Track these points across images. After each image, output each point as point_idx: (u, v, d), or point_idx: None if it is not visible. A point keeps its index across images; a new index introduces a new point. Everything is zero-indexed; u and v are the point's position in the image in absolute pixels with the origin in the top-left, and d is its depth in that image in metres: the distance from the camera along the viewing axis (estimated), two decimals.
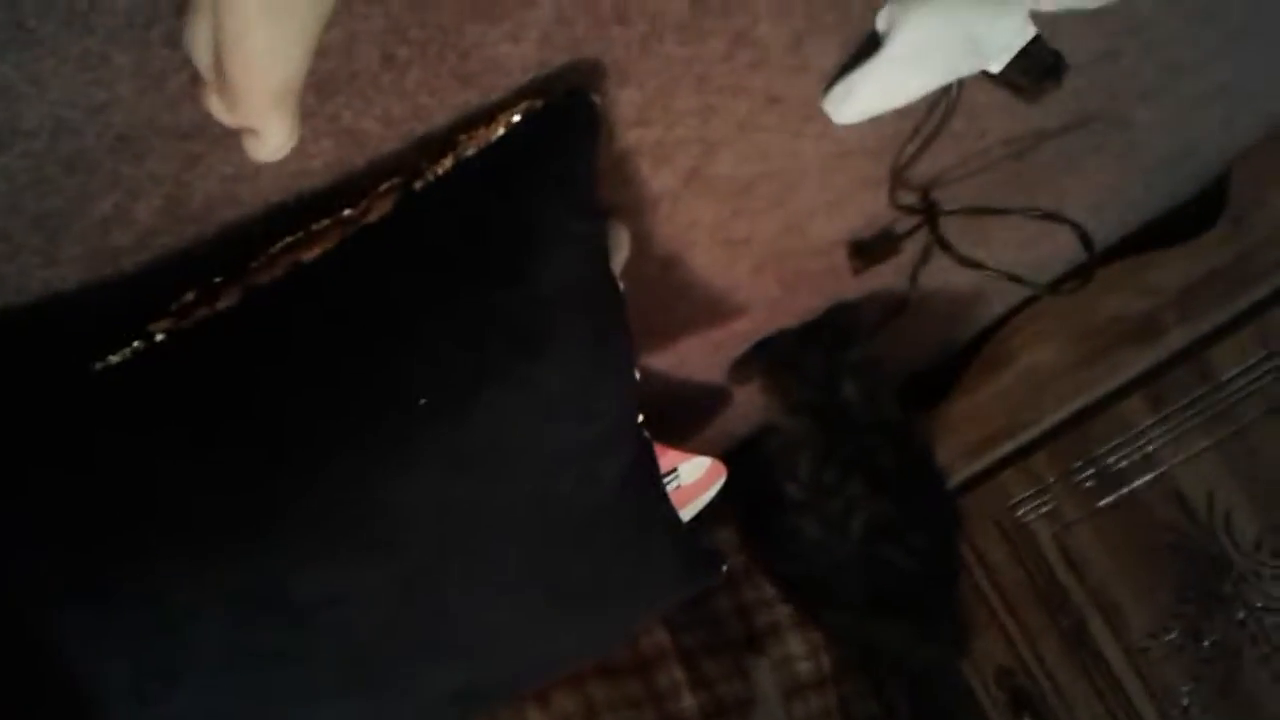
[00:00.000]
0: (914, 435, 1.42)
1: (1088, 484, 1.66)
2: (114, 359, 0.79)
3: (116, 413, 0.79)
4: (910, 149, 1.12)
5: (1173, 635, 1.62)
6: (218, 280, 0.81)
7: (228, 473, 0.78)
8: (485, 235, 0.83)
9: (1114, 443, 1.64)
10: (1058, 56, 0.93)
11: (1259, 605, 1.57)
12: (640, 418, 1.02)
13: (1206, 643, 1.60)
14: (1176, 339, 1.62)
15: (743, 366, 1.38)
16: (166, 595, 0.77)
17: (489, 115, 0.82)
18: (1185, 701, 1.61)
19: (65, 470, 0.77)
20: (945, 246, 1.17)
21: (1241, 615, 1.58)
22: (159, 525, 0.77)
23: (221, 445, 0.78)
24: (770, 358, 1.36)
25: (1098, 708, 1.66)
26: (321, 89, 0.73)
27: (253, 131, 0.65)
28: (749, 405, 1.48)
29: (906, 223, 1.24)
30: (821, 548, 1.35)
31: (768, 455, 1.40)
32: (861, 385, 1.33)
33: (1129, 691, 1.64)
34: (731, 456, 1.43)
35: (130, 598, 0.76)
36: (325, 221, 0.82)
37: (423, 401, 0.81)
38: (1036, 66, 0.92)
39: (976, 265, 1.15)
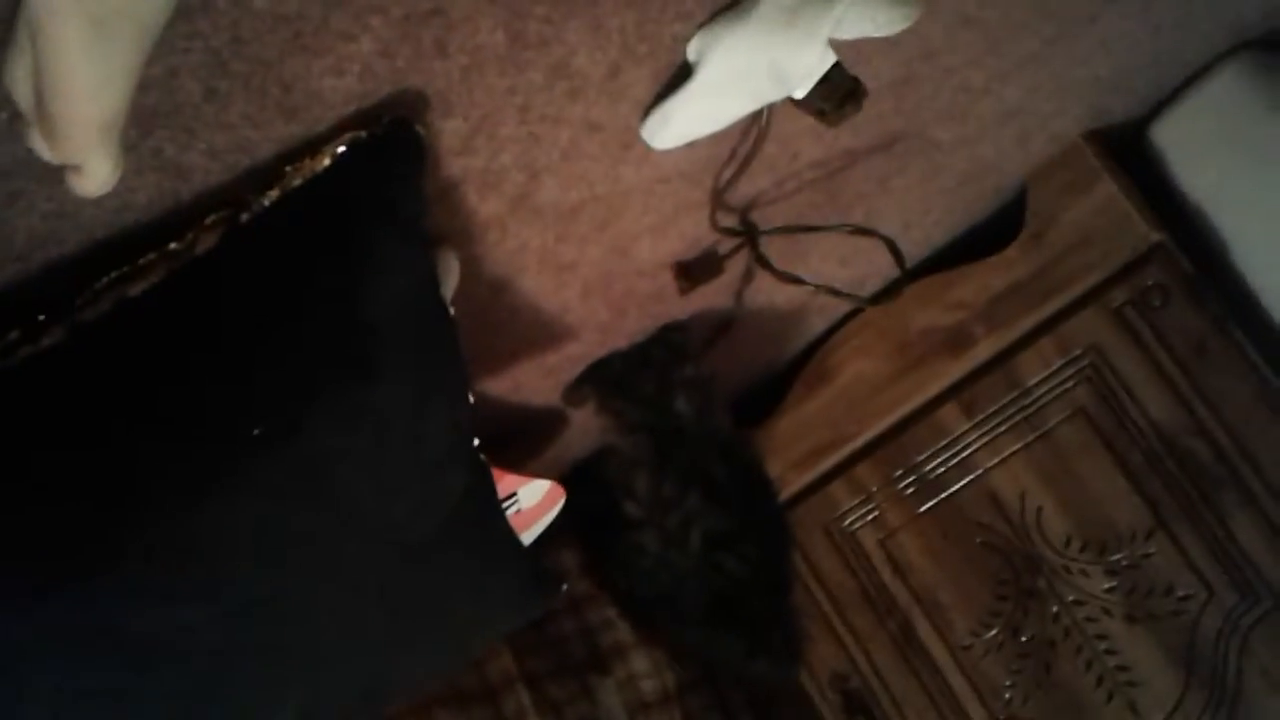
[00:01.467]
0: (745, 449, 1.47)
1: (909, 491, 1.73)
2: None
3: None
4: (727, 173, 1.17)
5: (993, 632, 1.70)
6: (42, 318, 0.81)
7: (59, 512, 0.77)
8: (312, 264, 0.84)
9: (931, 450, 1.72)
10: (857, 82, 0.99)
11: (1070, 599, 1.66)
12: (476, 441, 1.04)
13: (1024, 638, 1.68)
14: (985, 349, 1.71)
15: (576, 390, 1.41)
16: None
17: (314, 147, 0.83)
18: (1007, 695, 1.69)
19: None
20: (766, 265, 1.22)
21: (1055, 609, 1.67)
22: None
23: (51, 484, 0.78)
24: (603, 380, 1.39)
25: (926, 706, 1.72)
26: (143, 123, 0.74)
27: (76, 167, 0.65)
28: (586, 428, 1.51)
29: (728, 244, 1.29)
30: (662, 562, 1.39)
31: (606, 475, 1.43)
32: (693, 401, 1.37)
33: (954, 688, 1.71)
34: (571, 479, 1.46)
35: None
36: (151, 255, 0.82)
37: (256, 431, 0.81)
38: (837, 92, 0.98)
39: (796, 281, 1.21)
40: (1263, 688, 1.56)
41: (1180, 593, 1.60)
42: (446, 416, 0.95)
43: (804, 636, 1.47)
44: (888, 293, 1.31)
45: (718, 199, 1.20)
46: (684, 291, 1.31)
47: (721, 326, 1.45)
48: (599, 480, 1.48)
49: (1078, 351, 1.65)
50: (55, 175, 0.73)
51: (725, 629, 1.41)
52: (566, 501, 1.41)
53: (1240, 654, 1.57)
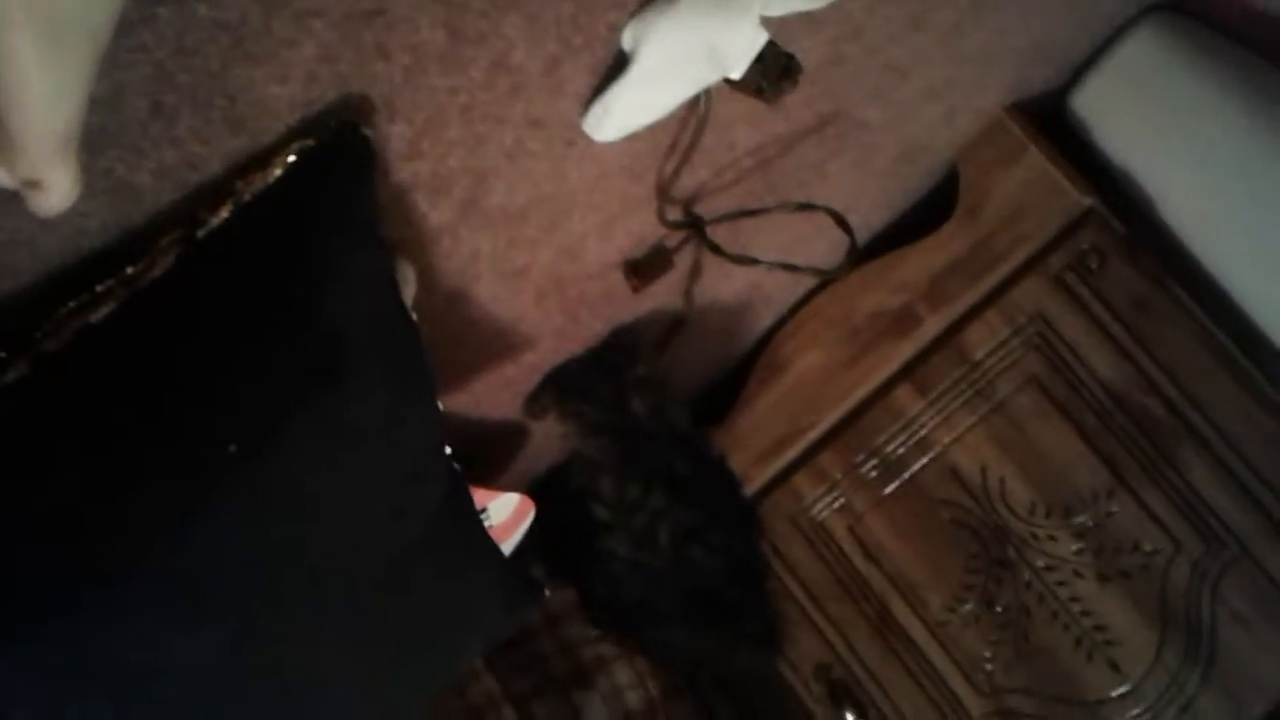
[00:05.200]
0: (706, 443, 1.47)
1: (872, 474, 1.74)
2: None
3: None
4: (670, 167, 1.18)
5: (968, 605, 1.71)
6: (3, 355, 0.79)
7: (38, 546, 0.76)
8: (270, 276, 0.84)
9: (890, 432, 1.73)
10: (791, 58, 1.01)
11: (1041, 565, 1.68)
12: (448, 450, 1.04)
13: (999, 608, 1.70)
14: (931, 328, 1.73)
15: (536, 400, 1.41)
16: None
17: (264, 158, 0.83)
18: (989, 666, 1.70)
19: None
20: (717, 250, 1.23)
21: (1027, 577, 1.69)
22: None
23: (27, 518, 0.76)
24: (560, 386, 1.39)
25: (911, 687, 1.73)
26: (92, 144, 0.73)
27: (36, 184, 0.64)
28: (549, 440, 1.51)
29: (675, 238, 1.30)
30: (633, 564, 1.38)
31: (572, 482, 1.43)
32: (647, 401, 1.37)
33: (936, 665, 1.72)
34: (538, 491, 1.46)
35: None
36: (109, 281, 0.81)
37: (231, 449, 0.81)
38: (773, 69, 1.00)
39: (750, 261, 1.22)
40: (1236, 632, 1.59)
41: (1147, 548, 1.63)
42: (419, 423, 0.95)
43: (783, 621, 1.47)
44: (840, 268, 1.33)
45: (663, 193, 1.21)
46: (636, 290, 1.32)
47: (673, 325, 1.46)
48: (566, 490, 1.48)
49: (1022, 320, 1.68)
50: (6, 205, 0.72)
51: (704, 624, 1.41)
52: (536, 514, 1.40)
53: (1212, 601, 1.60)
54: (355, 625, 0.95)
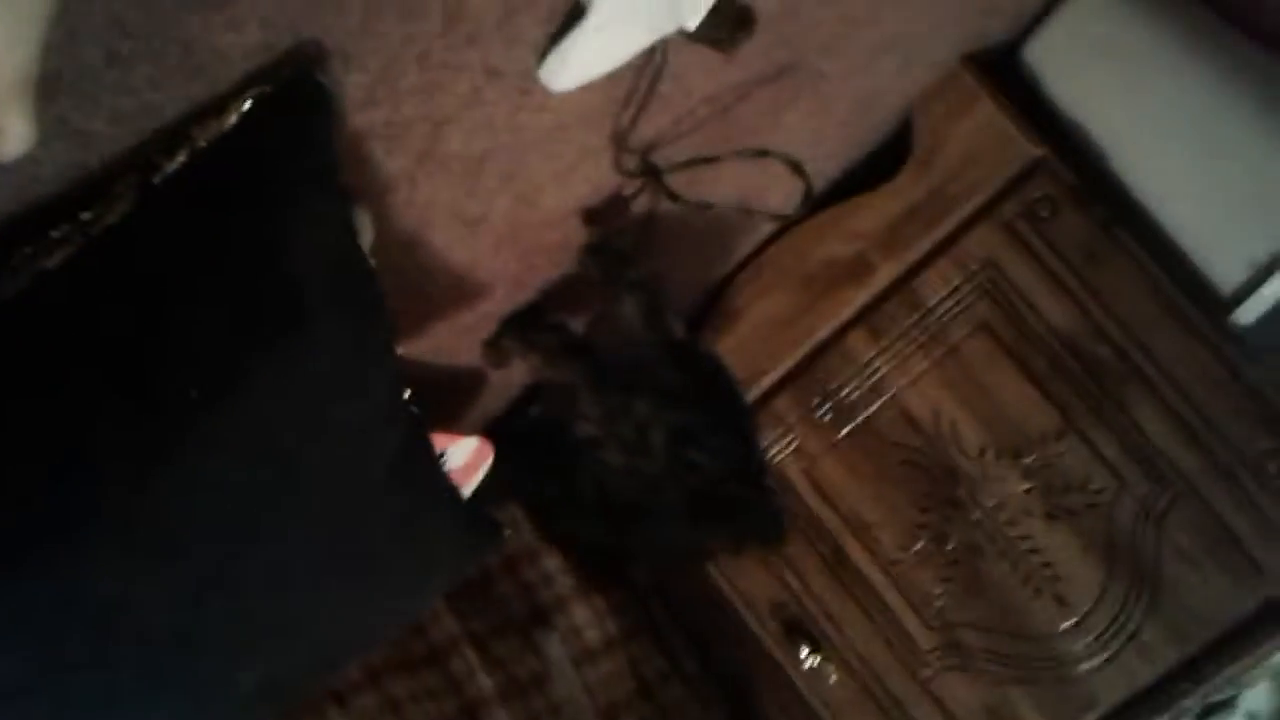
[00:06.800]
0: (698, 347, 1.44)
1: (826, 418, 1.77)
2: None
3: None
4: (627, 115, 1.18)
5: (920, 544, 1.74)
6: None
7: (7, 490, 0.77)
8: (228, 221, 0.84)
9: (844, 377, 1.76)
10: (746, 9, 1.01)
11: (991, 504, 1.71)
12: (407, 393, 1.05)
13: (950, 546, 1.73)
14: (885, 275, 1.75)
15: (496, 344, 1.41)
16: None
17: (219, 105, 0.83)
18: (939, 604, 1.74)
19: None
20: (674, 197, 1.24)
21: (977, 516, 1.72)
22: None
23: None
24: (519, 324, 1.39)
25: (865, 623, 1.77)
26: (47, 91, 0.73)
27: None
28: (503, 383, 1.52)
29: (633, 186, 1.31)
30: (630, 471, 1.33)
31: (541, 416, 1.41)
32: (643, 303, 1.35)
33: (889, 603, 1.76)
34: (496, 434, 1.47)
35: None
36: (65, 227, 0.81)
37: (193, 394, 0.82)
38: (728, 20, 1.01)
39: (706, 207, 1.23)
40: (1180, 567, 1.63)
41: (1094, 486, 1.66)
42: (378, 366, 0.97)
43: (786, 511, 1.42)
44: (796, 214, 1.33)
45: (620, 142, 1.22)
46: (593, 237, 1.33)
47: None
48: (534, 424, 1.46)
49: (974, 267, 1.70)
50: None
51: (708, 517, 1.36)
52: (499, 454, 1.41)
53: (1157, 537, 1.63)
54: (320, 563, 0.97)
